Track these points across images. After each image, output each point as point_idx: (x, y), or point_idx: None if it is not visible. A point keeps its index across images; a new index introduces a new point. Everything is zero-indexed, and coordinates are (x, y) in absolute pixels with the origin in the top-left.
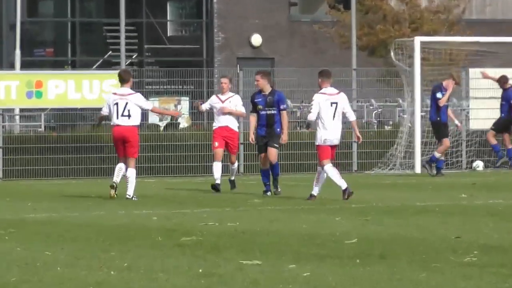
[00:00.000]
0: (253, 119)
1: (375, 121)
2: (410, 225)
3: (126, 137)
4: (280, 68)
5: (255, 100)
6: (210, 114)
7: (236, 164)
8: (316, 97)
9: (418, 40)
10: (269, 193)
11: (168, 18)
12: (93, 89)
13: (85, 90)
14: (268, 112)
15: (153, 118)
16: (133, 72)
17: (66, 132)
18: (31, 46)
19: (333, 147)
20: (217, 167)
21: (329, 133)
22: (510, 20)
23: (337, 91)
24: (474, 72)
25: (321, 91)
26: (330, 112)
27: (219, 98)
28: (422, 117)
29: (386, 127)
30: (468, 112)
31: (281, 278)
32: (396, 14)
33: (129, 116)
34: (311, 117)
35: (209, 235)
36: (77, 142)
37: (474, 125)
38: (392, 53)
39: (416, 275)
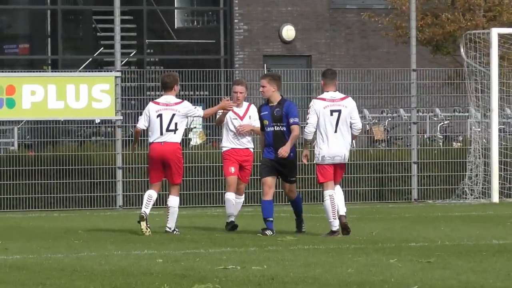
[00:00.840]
0: (263, 138)
1: (441, 136)
2: (486, 270)
3: (170, 158)
4: (318, 69)
5: (261, 114)
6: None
7: (243, 197)
8: (314, 104)
9: (495, 32)
10: (269, 232)
11: (176, 4)
12: (80, 96)
13: (69, 97)
14: (275, 128)
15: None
16: (128, 74)
17: (46, 152)
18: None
19: (338, 167)
20: (232, 201)
21: (330, 149)
22: None
23: (342, 95)
24: None
25: (321, 96)
26: (331, 122)
27: (236, 113)
28: (500, 130)
29: (454, 144)
30: None
31: None
32: (468, 0)
33: (175, 130)
34: (309, 130)
35: (229, 283)
36: (60, 164)
37: None
38: (462, 49)
39: None
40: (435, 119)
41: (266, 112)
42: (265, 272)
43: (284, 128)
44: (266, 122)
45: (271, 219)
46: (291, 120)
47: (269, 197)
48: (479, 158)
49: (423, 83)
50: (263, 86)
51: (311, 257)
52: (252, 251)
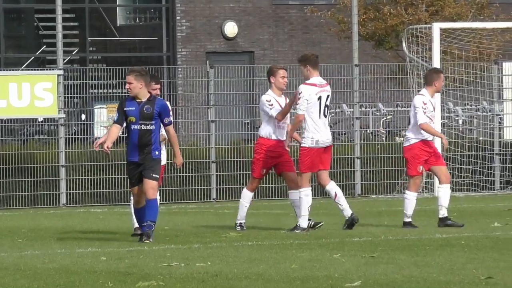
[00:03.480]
0: (115, 130)
1: (384, 132)
2: (429, 264)
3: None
4: (261, 65)
5: (126, 109)
6: (186, 125)
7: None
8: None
9: (437, 26)
10: (145, 239)
11: (118, 2)
12: (23, 95)
13: (12, 96)
14: (143, 127)
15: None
16: (70, 72)
17: None
18: None
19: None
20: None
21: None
22: None
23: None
24: (510, 66)
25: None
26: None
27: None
28: (442, 125)
29: (397, 138)
30: (501, 118)
31: None
32: None
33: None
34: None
35: (173, 280)
36: (3, 163)
37: (510, 135)
38: (404, 44)
39: None
40: (378, 114)
41: (133, 108)
42: (209, 269)
43: (153, 127)
44: (132, 119)
45: (143, 224)
46: (166, 120)
47: (140, 205)
48: None
49: (365, 78)
50: (129, 83)
51: (254, 253)
52: (196, 248)
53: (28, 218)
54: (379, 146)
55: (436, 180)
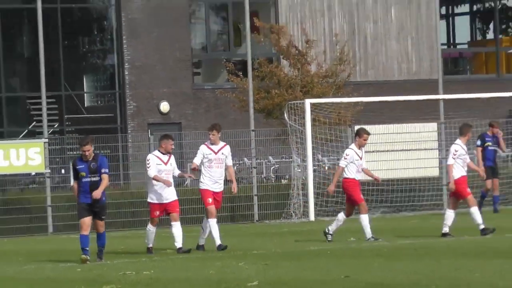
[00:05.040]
0: (75, 185)
1: (273, 176)
2: (306, 268)
3: None
4: (187, 132)
5: (78, 167)
6: (135, 175)
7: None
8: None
9: (308, 102)
10: (84, 257)
11: (85, 90)
12: (20, 157)
13: (12, 158)
14: (92, 179)
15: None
16: (52, 140)
17: None
18: None
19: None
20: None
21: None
22: (390, 81)
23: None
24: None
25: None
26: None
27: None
28: (314, 170)
29: (282, 180)
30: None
31: None
32: (289, 79)
33: None
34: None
35: (127, 284)
36: (7, 204)
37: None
38: (286, 115)
39: None
40: (269, 164)
41: (83, 166)
42: (152, 276)
43: (98, 178)
44: (83, 174)
45: (87, 248)
46: (103, 170)
47: (86, 232)
48: (300, 190)
49: (259, 139)
50: (87, 150)
51: (184, 264)
52: (143, 261)
53: (24, 243)
54: (270, 186)
55: (310, 209)
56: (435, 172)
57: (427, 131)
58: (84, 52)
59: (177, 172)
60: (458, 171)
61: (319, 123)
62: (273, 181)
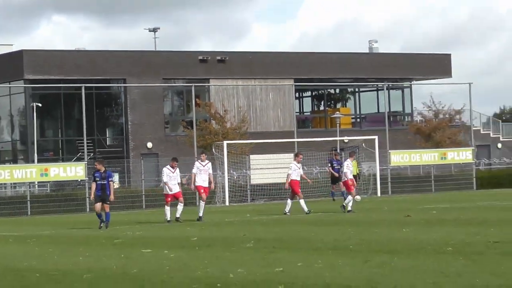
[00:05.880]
0: (93, 185)
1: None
2: (224, 230)
3: None
4: (161, 159)
5: (95, 175)
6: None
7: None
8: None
9: (225, 142)
10: (102, 224)
11: (107, 135)
12: (72, 171)
13: (68, 171)
14: (102, 182)
15: None
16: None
17: None
18: None
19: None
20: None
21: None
22: (269, 131)
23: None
24: (254, 157)
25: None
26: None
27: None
28: (228, 178)
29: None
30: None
31: None
32: (216, 131)
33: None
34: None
35: (128, 239)
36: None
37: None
38: (213, 150)
39: None
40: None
41: (98, 175)
42: (142, 235)
43: (106, 182)
44: (98, 179)
45: (102, 218)
46: (110, 180)
47: (98, 211)
48: (221, 189)
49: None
50: (98, 167)
51: (168, 228)
52: (136, 227)
53: (70, 217)
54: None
55: None
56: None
57: (288, 158)
58: (107, 116)
59: (179, 179)
60: (350, 175)
61: (231, 153)
62: None
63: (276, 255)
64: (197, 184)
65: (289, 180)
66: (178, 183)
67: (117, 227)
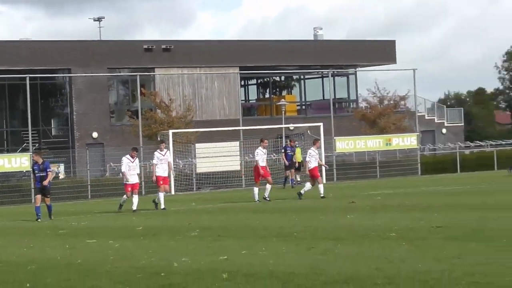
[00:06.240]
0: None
1: None
2: (172, 218)
3: None
4: (107, 148)
5: (34, 167)
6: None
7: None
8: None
9: (171, 131)
10: (39, 220)
11: (52, 126)
12: (17, 162)
13: (13, 162)
14: (41, 174)
15: None
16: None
17: None
18: None
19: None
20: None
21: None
22: (215, 120)
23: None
24: (200, 146)
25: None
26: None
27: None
28: (174, 166)
29: None
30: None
31: None
32: (161, 120)
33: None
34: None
35: (72, 229)
36: None
37: (201, 169)
38: (159, 138)
39: None
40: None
41: (36, 167)
42: (87, 225)
43: (45, 173)
44: (36, 171)
45: (40, 214)
46: (48, 170)
47: (38, 204)
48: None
49: (146, 151)
50: (37, 159)
51: (110, 217)
52: (81, 217)
53: (16, 208)
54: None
55: None
56: (237, 167)
57: (233, 146)
58: (52, 106)
59: (138, 169)
60: (313, 163)
61: (177, 142)
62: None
63: (221, 243)
64: (157, 174)
65: (258, 165)
66: (137, 174)
67: (62, 217)
